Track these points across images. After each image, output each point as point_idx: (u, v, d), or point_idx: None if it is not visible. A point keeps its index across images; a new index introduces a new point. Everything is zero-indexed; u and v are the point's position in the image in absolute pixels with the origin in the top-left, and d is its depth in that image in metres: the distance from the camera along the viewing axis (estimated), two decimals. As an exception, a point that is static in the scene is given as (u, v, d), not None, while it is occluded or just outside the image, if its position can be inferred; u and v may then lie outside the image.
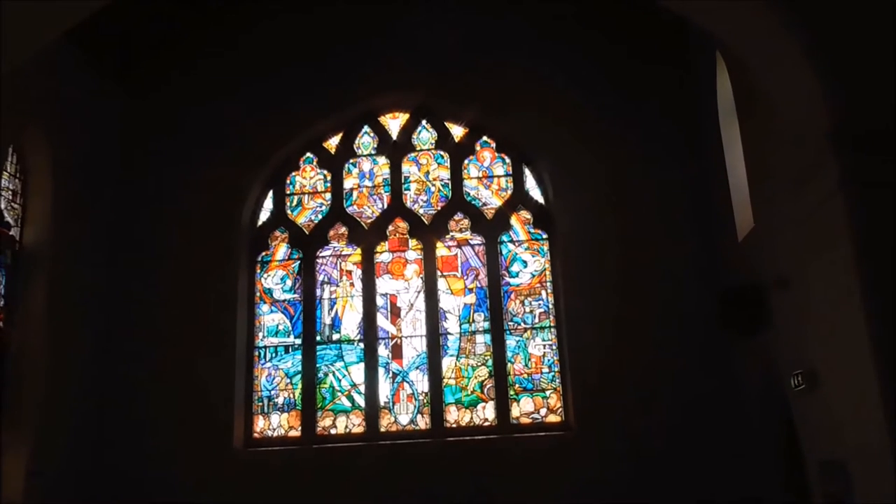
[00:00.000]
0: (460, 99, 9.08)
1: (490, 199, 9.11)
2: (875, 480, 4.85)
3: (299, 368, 8.71)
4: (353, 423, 8.55)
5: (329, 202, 9.24)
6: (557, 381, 8.48)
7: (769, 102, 5.86)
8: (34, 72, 7.06)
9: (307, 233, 9.14)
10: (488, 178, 9.19)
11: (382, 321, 8.86)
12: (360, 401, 8.60)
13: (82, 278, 8.23)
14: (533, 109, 8.85)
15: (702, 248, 8.28)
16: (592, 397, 8.02)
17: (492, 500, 7.74)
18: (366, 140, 9.46)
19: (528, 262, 8.89)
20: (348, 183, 9.32)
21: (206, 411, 8.25)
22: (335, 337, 8.86)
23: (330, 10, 9.13)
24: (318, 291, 8.99)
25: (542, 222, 8.92)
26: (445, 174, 9.23)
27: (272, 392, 8.71)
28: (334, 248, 9.12)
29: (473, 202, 9.08)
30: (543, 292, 8.76)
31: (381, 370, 8.67)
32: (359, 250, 9.07)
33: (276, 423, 8.61)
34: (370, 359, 8.66)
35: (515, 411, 8.44)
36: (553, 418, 8.38)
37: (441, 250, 9.00)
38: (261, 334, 8.90)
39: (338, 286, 9.02)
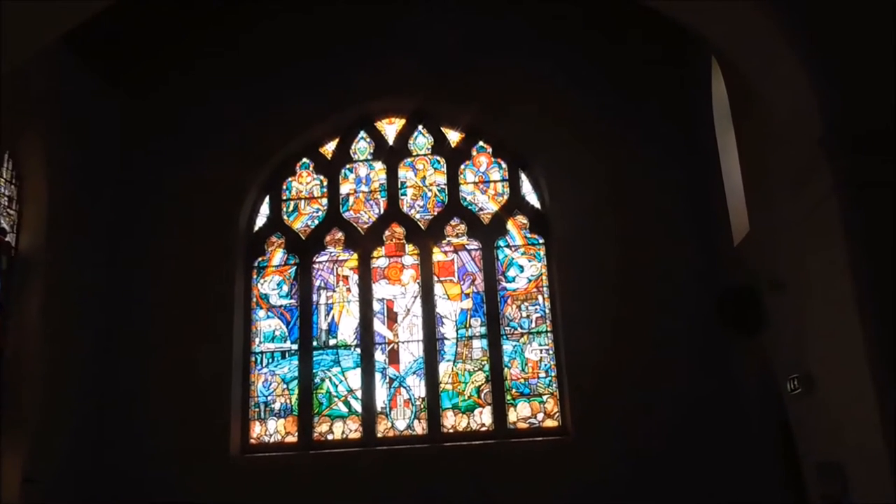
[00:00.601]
0: (457, 102, 9.11)
1: (486, 204, 9.12)
2: (872, 482, 4.86)
3: (296, 374, 8.70)
4: (350, 429, 8.53)
5: (325, 207, 9.24)
6: (554, 385, 8.47)
7: (763, 105, 5.88)
8: (30, 74, 7.05)
9: (304, 238, 9.14)
10: (484, 183, 9.21)
11: (379, 326, 8.85)
12: (357, 406, 8.58)
13: (78, 283, 8.20)
14: (529, 112, 8.86)
15: (699, 252, 8.29)
16: (589, 401, 8.02)
17: (492, 502, 7.73)
18: (362, 145, 9.47)
19: (525, 267, 8.90)
20: (345, 188, 9.32)
21: (203, 417, 8.23)
22: (332, 342, 8.85)
23: (326, 12, 9.12)
24: (315, 297, 8.98)
25: (538, 227, 8.94)
26: (442, 179, 9.24)
27: (269, 397, 8.69)
28: (331, 253, 9.12)
29: (470, 207, 9.09)
30: (540, 297, 8.77)
31: (377, 375, 8.66)
32: (355, 255, 9.06)
33: (273, 429, 8.59)
34: (367, 364, 8.65)
35: (512, 416, 8.43)
36: (550, 423, 8.37)
37: (438, 255, 9.00)
38: (257, 340, 8.88)
39: (334, 291, 9.01)
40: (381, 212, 9.19)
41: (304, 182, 9.39)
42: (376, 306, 8.90)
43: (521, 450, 8.07)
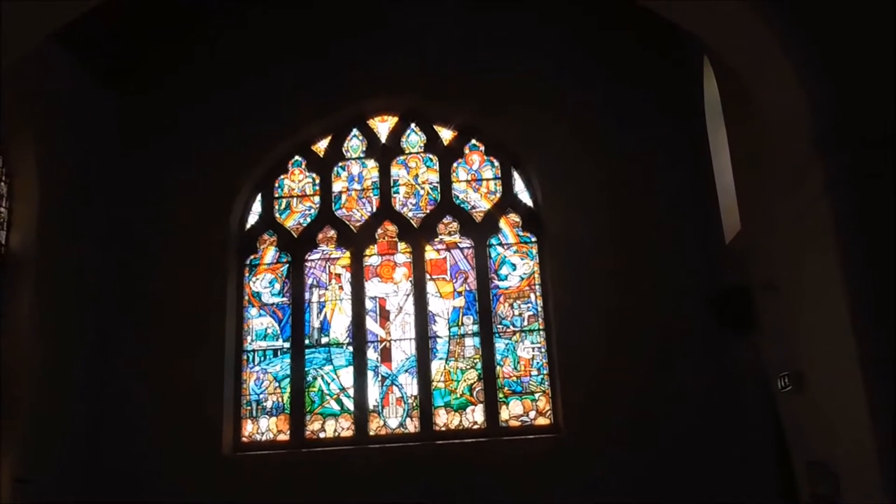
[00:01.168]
0: (449, 101, 9.10)
1: (479, 202, 9.12)
2: (862, 481, 4.88)
3: (288, 372, 8.69)
4: (342, 427, 8.53)
5: (318, 205, 9.23)
6: (546, 383, 8.49)
7: (756, 105, 5.89)
8: (22, 71, 7.01)
9: (296, 236, 9.12)
10: (477, 181, 9.21)
11: (371, 324, 8.85)
12: (349, 404, 8.58)
13: (70, 282, 8.16)
14: (522, 111, 8.86)
15: (691, 250, 8.32)
16: (581, 400, 8.04)
17: (484, 500, 7.74)
18: (354, 143, 9.45)
19: (517, 265, 8.91)
20: (337, 186, 9.31)
21: (195, 415, 8.21)
22: (324, 340, 8.84)
23: (319, 10, 9.11)
24: (307, 295, 8.97)
25: (530, 225, 8.94)
26: (434, 177, 9.23)
27: (261, 396, 8.68)
28: (323, 251, 9.11)
29: (462, 205, 9.09)
30: (532, 295, 8.78)
31: (370, 374, 8.66)
32: (348, 253, 9.06)
33: (265, 427, 8.58)
34: (359, 362, 8.65)
35: (504, 414, 8.44)
36: (542, 421, 8.39)
37: (430, 253, 9.00)
38: (249, 338, 8.86)
39: (326, 289, 9.00)
40: (374, 210, 9.18)
41: (297, 180, 9.37)
42: (368, 304, 8.89)
43: (512, 448, 8.08)
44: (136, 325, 8.54)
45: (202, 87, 9.19)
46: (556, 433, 8.22)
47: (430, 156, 9.31)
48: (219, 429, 8.26)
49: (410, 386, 8.62)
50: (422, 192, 9.23)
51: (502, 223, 9.02)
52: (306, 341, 8.81)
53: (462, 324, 8.77)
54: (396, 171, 9.31)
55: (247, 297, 8.99)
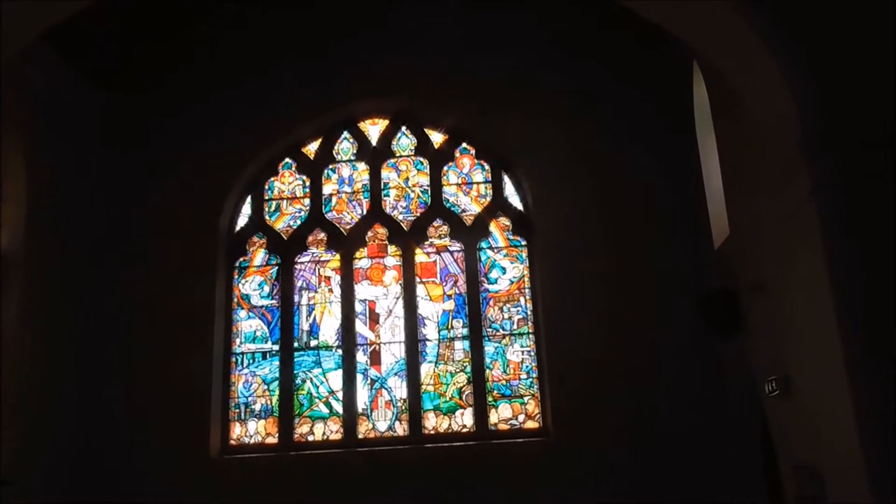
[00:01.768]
0: (440, 104, 9.10)
1: (469, 205, 9.12)
2: (848, 484, 4.89)
3: (277, 375, 8.66)
4: (331, 430, 8.51)
5: (308, 208, 9.21)
6: (535, 387, 8.49)
7: (743, 108, 5.91)
8: (11, 72, 6.96)
9: (285, 238, 9.10)
10: (467, 184, 9.21)
11: (361, 327, 8.83)
12: (338, 407, 8.55)
13: (58, 283, 8.12)
14: (513, 115, 8.87)
15: (681, 254, 8.33)
16: (570, 403, 8.04)
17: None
18: (345, 146, 9.45)
19: (507, 269, 8.91)
20: (327, 188, 9.30)
21: (183, 418, 8.17)
22: (313, 343, 8.82)
23: (310, 13, 9.08)
24: (297, 297, 8.95)
25: (520, 229, 8.95)
26: (425, 180, 9.23)
27: (249, 398, 8.65)
28: (313, 253, 9.09)
29: (452, 209, 9.09)
30: (522, 298, 8.78)
31: (359, 377, 8.64)
32: (337, 256, 9.04)
33: (253, 430, 8.55)
34: (348, 365, 8.63)
35: (494, 417, 8.43)
36: (531, 424, 8.38)
37: (420, 256, 9.00)
38: (238, 340, 8.83)
39: (316, 292, 8.99)
40: (364, 212, 9.17)
41: (287, 182, 9.36)
42: (358, 307, 8.87)
43: (502, 451, 8.07)
44: (124, 327, 8.50)
45: (193, 88, 9.18)
46: (545, 437, 8.21)
47: (421, 159, 9.31)
48: (207, 431, 8.22)
49: (400, 389, 8.60)
50: (412, 195, 9.22)
51: (492, 226, 9.02)
52: (295, 344, 8.78)
53: (452, 327, 8.76)
54: (387, 173, 9.30)
55: (236, 300, 8.96)
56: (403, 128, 9.42)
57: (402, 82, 9.11)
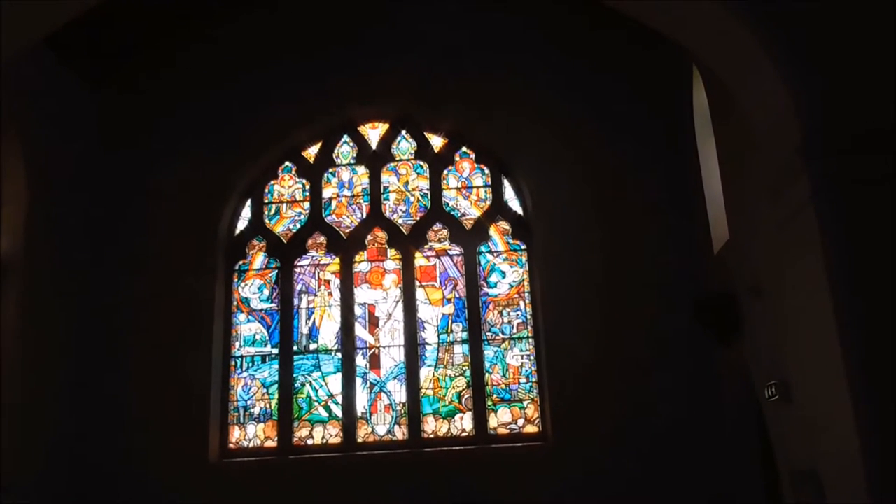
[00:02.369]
0: (440, 108, 9.10)
1: (469, 209, 9.12)
2: (847, 490, 4.87)
3: (276, 378, 8.65)
4: (330, 434, 8.50)
5: (307, 211, 9.22)
6: (535, 391, 8.48)
7: (742, 112, 5.91)
8: (8, 73, 6.98)
9: (285, 242, 9.10)
10: (467, 188, 9.21)
11: (360, 331, 8.83)
12: (338, 411, 8.55)
13: (57, 285, 8.13)
14: (513, 119, 8.88)
15: (680, 259, 8.31)
16: (569, 408, 8.03)
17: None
18: (345, 149, 9.45)
19: (507, 273, 8.90)
20: (327, 192, 9.30)
21: (182, 421, 8.17)
22: (312, 347, 8.81)
23: (309, 16, 9.12)
24: (296, 301, 8.95)
25: (520, 233, 8.95)
26: (424, 184, 9.23)
27: (248, 402, 8.64)
28: (312, 257, 9.09)
29: (452, 213, 9.09)
30: (521, 303, 8.77)
31: (358, 380, 8.63)
32: (337, 260, 9.04)
33: (253, 434, 8.54)
34: (347, 369, 8.62)
35: (493, 422, 8.42)
36: (530, 429, 8.37)
37: (420, 260, 8.99)
38: (237, 343, 8.83)
39: (316, 296, 8.98)
40: (364, 216, 9.17)
41: (287, 185, 9.36)
42: (358, 311, 8.87)
43: (501, 455, 8.06)
44: (123, 330, 8.49)
45: (192, 90, 9.19)
46: (544, 441, 8.20)
47: (421, 163, 9.32)
48: (206, 435, 8.21)
49: (399, 393, 8.59)
50: (412, 198, 9.22)
51: (492, 231, 9.01)
52: (295, 347, 8.78)
53: (451, 331, 8.75)
54: (387, 177, 9.31)
55: (235, 303, 8.96)
56: (403, 131, 9.43)
57: (402, 86, 9.12)
